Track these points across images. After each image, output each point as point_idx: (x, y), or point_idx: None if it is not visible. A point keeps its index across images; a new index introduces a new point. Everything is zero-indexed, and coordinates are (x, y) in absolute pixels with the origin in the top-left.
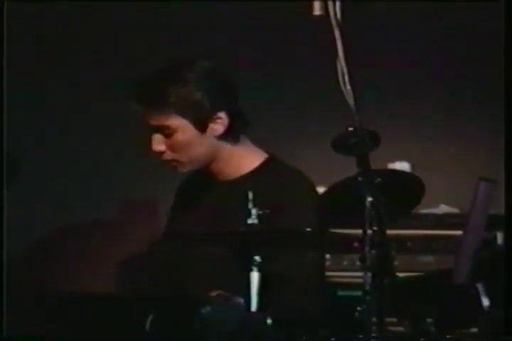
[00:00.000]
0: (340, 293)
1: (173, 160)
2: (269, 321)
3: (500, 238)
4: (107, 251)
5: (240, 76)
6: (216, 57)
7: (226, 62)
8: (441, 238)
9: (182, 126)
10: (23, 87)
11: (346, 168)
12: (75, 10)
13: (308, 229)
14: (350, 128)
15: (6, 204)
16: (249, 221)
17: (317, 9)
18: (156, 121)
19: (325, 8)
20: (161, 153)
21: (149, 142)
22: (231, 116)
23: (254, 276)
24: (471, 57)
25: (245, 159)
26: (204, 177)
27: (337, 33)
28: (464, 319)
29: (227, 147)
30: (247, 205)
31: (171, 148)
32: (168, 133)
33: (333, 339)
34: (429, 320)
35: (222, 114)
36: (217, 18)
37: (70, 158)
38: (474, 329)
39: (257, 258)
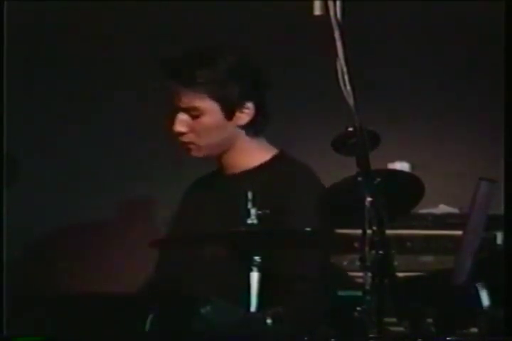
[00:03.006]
0: (340, 293)
1: (190, 143)
2: (269, 321)
3: (500, 238)
4: (107, 251)
5: None
6: None
7: None
8: (441, 238)
9: (210, 109)
10: (23, 86)
11: (346, 168)
12: (75, 9)
13: (308, 229)
14: (350, 128)
15: (6, 204)
16: (249, 221)
17: (317, 9)
18: (186, 100)
19: (325, 8)
20: (182, 134)
21: (171, 122)
22: (257, 108)
23: (254, 276)
24: (471, 57)
25: (256, 153)
26: (213, 173)
27: (337, 33)
28: (463, 319)
29: (244, 139)
30: (247, 205)
31: (194, 130)
32: (195, 114)
33: (333, 339)
34: (429, 320)
35: (249, 104)
36: (216, 18)
37: (70, 158)
38: (474, 329)
39: (257, 258)
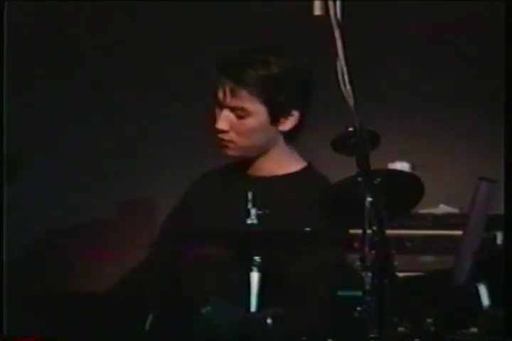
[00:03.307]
0: (340, 293)
1: (230, 142)
2: (269, 321)
3: (500, 238)
4: (107, 251)
5: None
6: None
7: None
8: (441, 238)
9: (258, 112)
10: (23, 87)
11: (346, 167)
12: (75, 9)
13: (308, 229)
14: (350, 128)
15: (6, 204)
16: (249, 221)
17: (317, 9)
18: (237, 100)
19: (325, 8)
20: (223, 132)
21: (213, 119)
22: (301, 116)
23: (254, 276)
24: (471, 57)
25: (288, 162)
26: (227, 171)
27: (337, 33)
28: (463, 319)
29: (281, 145)
30: (247, 205)
31: (236, 129)
32: (241, 115)
33: (332, 339)
34: (429, 320)
35: (295, 112)
36: (216, 18)
37: (70, 158)
38: (474, 329)
39: (257, 258)
